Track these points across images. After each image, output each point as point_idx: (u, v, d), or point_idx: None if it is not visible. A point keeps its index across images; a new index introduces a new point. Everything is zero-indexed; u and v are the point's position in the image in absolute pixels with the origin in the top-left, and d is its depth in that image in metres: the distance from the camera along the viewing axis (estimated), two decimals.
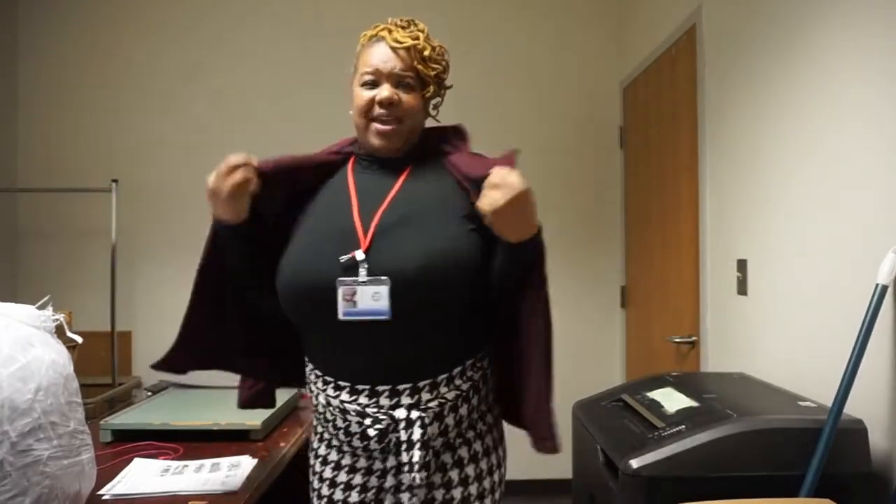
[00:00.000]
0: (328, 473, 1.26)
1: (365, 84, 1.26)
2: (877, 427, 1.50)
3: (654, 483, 1.41)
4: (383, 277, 1.15)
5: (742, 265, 2.19)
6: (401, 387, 1.18)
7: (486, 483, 1.24)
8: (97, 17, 3.66)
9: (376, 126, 1.25)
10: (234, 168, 1.25)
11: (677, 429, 1.51)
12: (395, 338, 1.17)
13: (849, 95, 1.64)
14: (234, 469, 1.55)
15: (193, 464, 1.58)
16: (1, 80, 3.53)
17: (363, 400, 1.19)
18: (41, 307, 1.28)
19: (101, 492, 1.40)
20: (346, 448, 1.24)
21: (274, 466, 1.61)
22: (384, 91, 1.24)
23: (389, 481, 1.21)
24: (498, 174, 1.10)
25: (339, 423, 1.22)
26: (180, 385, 2.38)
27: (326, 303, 1.17)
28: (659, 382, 1.92)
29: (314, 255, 1.21)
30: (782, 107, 1.95)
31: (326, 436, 1.27)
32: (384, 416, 1.18)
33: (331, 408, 1.23)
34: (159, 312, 3.63)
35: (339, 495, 1.24)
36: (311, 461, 1.32)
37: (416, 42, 1.26)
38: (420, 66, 1.26)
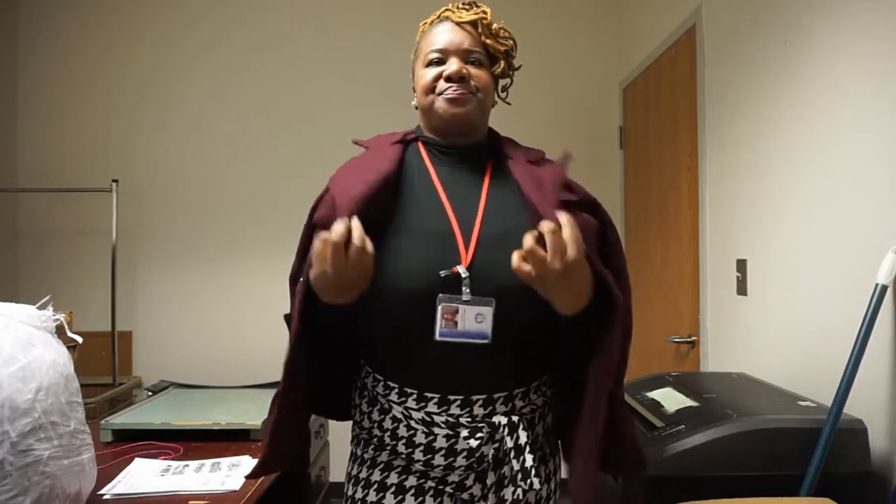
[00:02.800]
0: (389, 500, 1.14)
1: (430, 64, 1.18)
2: (877, 427, 1.50)
3: (654, 483, 1.41)
4: (487, 298, 1.06)
5: (742, 265, 2.19)
6: (496, 395, 1.12)
7: (552, 484, 1.24)
8: (97, 18, 3.66)
9: (441, 98, 1.15)
10: (343, 245, 0.96)
11: (677, 429, 1.51)
12: (492, 356, 1.09)
13: (849, 95, 1.64)
14: (234, 469, 1.55)
15: (194, 464, 1.58)
16: (1, 80, 3.53)
17: (455, 410, 1.10)
18: (41, 307, 1.28)
19: (101, 492, 1.40)
20: (418, 468, 1.14)
21: None
22: (452, 65, 1.15)
23: (490, 499, 1.11)
24: (550, 233, 0.93)
25: (420, 438, 1.11)
26: (180, 385, 2.38)
27: (421, 317, 1.07)
28: (659, 382, 1.92)
29: (411, 262, 1.08)
30: (782, 106, 1.95)
31: (384, 458, 1.16)
32: (482, 424, 1.10)
33: (412, 421, 1.12)
34: (159, 312, 3.64)
35: None
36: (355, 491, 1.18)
37: (482, 17, 1.19)
38: (489, 41, 1.19)
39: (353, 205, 1.06)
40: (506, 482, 1.11)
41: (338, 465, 1.83)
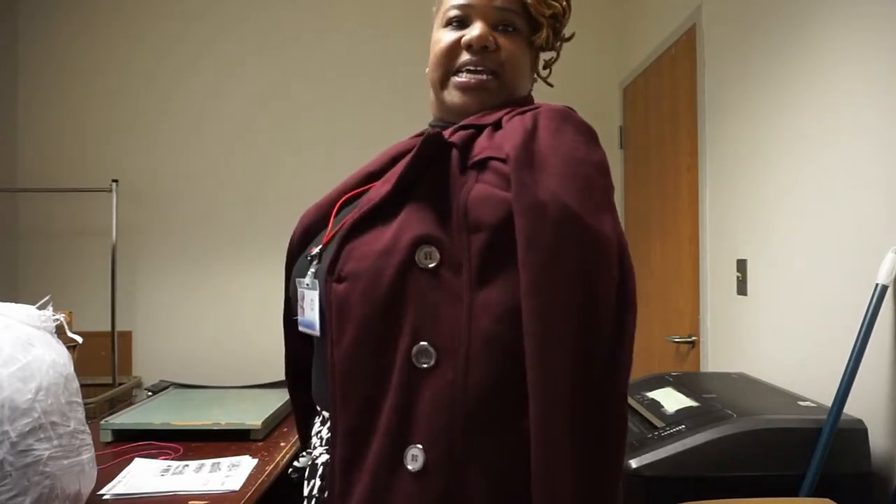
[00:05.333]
0: None
1: (449, 24, 0.91)
2: (877, 427, 1.50)
3: (654, 483, 1.41)
4: (315, 281, 0.83)
5: (742, 265, 2.19)
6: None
7: None
8: (97, 18, 3.66)
9: (458, 78, 0.90)
10: None
11: (677, 429, 1.51)
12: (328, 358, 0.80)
13: (849, 95, 1.64)
14: (234, 469, 1.55)
15: (193, 464, 1.58)
16: (1, 80, 3.53)
17: (317, 425, 0.89)
18: (41, 307, 1.28)
19: (101, 492, 1.40)
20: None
21: (274, 466, 1.61)
22: (475, 30, 0.88)
23: None
24: None
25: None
26: (180, 385, 2.38)
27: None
28: (659, 382, 1.92)
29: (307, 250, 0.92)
30: (782, 106, 1.95)
31: None
32: (306, 454, 0.88)
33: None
34: (159, 312, 3.63)
35: None
36: None
37: None
38: (533, 4, 0.90)
39: (297, 234, 0.95)
40: None
41: None
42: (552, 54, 1.00)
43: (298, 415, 1.01)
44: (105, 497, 1.39)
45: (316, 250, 0.86)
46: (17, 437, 1.09)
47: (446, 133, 0.86)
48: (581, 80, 3.73)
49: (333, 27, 3.66)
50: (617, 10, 3.71)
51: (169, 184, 3.64)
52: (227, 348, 3.54)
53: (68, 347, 1.30)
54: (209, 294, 3.63)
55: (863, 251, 1.57)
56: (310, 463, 0.86)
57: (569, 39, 1.01)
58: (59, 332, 1.29)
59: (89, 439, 1.27)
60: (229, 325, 3.59)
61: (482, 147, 0.81)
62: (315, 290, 0.82)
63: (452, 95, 0.91)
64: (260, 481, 1.50)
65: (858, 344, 1.46)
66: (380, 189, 0.80)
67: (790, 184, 1.91)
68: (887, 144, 1.50)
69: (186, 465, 1.57)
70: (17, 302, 1.26)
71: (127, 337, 3.58)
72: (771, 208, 2.02)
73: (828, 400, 1.52)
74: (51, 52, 3.65)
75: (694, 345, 2.57)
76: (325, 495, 0.79)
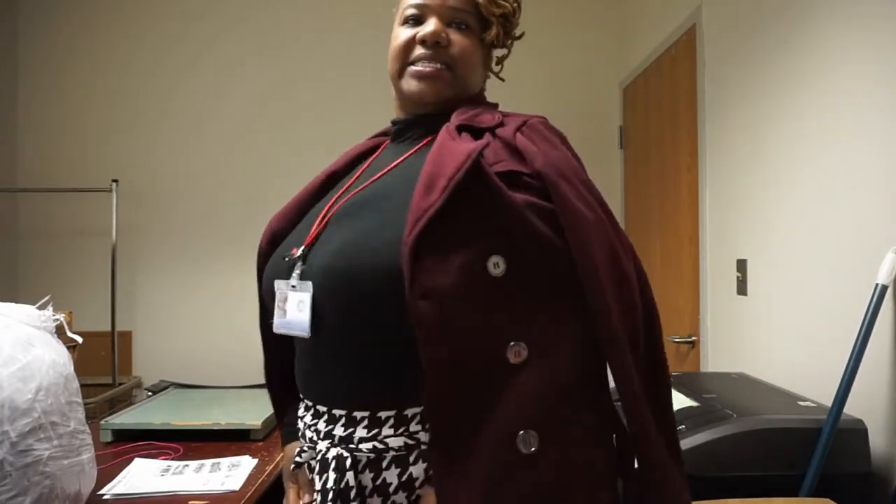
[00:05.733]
0: None
1: (406, 22, 0.99)
2: (877, 427, 1.50)
3: None
4: (306, 282, 0.87)
5: (742, 265, 2.19)
6: (336, 411, 0.89)
7: None
8: (97, 18, 3.66)
9: (412, 68, 0.97)
10: None
11: (677, 429, 1.51)
12: (316, 357, 0.91)
13: (849, 95, 1.64)
14: (234, 469, 1.55)
15: (193, 464, 1.58)
16: (1, 80, 3.53)
17: (308, 418, 0.94)
18: (41, 307, 1.28)
19: (101, 492, 1.40)
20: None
21: (274, 466, 1.61)
22: (429, 26, 0.96)
23: None
24: None
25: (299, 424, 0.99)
26: (180, 385, 2.38)
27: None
28: None
29: (282, 248, 0.97)
30: (782, 106, 1.95)
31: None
32: (309, 448, 0.92)
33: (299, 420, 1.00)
34: (159, 312, 3.64)
35: None
36: None
37: None
38: (484, 3, 0.97)
39: (266, 238, 1.02)
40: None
41: None
42: (504, 51, 1.07)
43: (281, 411, 1.08)
44: (105, 497, 1.39)
45: (299, 251, 0.91)
46: (17, 437, 1.09)
47: (453, 123, 0.93)
48: (581, 80, 3.73)
49: (333, 27, 3.66)
50: (617, 10, 3.71)
51: (169, 184, 3.64)
52: (227, 348, 3.54)
53: (68, 347, 1.30)
54: (209, 294, 3.63)
55: (863, 251, 1.57)
56: (318, 458, 0.90)
57: (520, 37, 1.07)
58: (59, 332, 1.29)
59: (89, 439, 1.27)
60: (229, 325, 3.59)
61: (500, 157, 0.88)
62: (305, 291, 0.87)
63: (409, 84, 0.98)
64: (260, 481, 1.50)
65: (858, 344, 1.46)
66: (425, 200, 0.82)
67: (790, 184, 1.91)
68: (887, 144, 1.50)
69: (186, 465, 1.57)
70: (17, 302, 1.26)
71: (127, 337, 3.58)
72: (771, 208, 2.02)
73: (828, 400, 1.52)
74: (51, 52, 3.65)
75: (694, 345, 2.57)
76: (344, 486, 0.85)
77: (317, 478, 0.90)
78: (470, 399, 0.81)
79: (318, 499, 0.88)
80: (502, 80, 1.11)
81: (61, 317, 1.31)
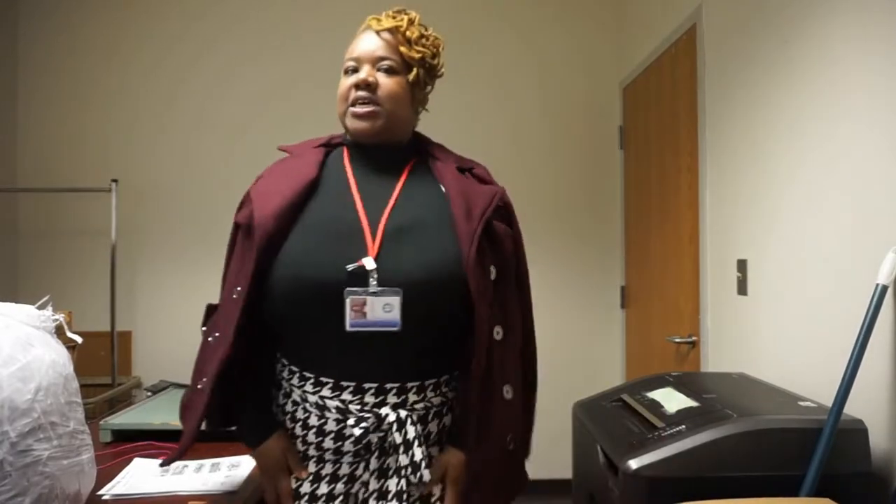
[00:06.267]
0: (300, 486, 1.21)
1: (347, 72, 1.24)
2: (877, 427, 1.50)
3: (654, 483, 1.41)
4: (396, 288, 1.12)
5: (742, 265, 2.19)
6: (388, 385, 1.16)
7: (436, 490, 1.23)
8: (97, 18, 3.66)
9: (352, 110, 1.21)
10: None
11: (677, 429, 1.51)
12: (399, 345, 1.14)
13: (849, 95, 1.64)
14: (234, 469, 1.55)
15: (193, 464, 1.58)
16: (1, 80, 3.53)
17: (346, 396, 1.16)
18: (41, 307, 1.27)
19: (101, 492, 1.40)
20: (312, 452, 1.20)
21: None
22: (361, 73, 1.20)
23: (372, 485, 1.17)
24: None
25: (313, 420, 1.18)
26: (180, 385, 2.37)
27: (330, 308, 1.12)
28: (659, 382, 1.92)
29: (320, 256, 1.14)
30: (782, 106, 1.95)
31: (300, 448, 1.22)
32: (369, 415, 1.14)
33: (306, 404, 1.19)
34: (159, 312, 3.64)
35: None
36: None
37: (399, 24, 1.23)
38: (403, 49, 1.22)
39: (269, 222, 1.16)
40: (390, 473, 1.16)
41: None
42: (429, 88, 1.30)
43: (226, 411, 1.28)
44: (105, 497, 1.39)
45: (370, 265, 1.13)
46: (16, 437, 1.09)
47: (452, 164, 1.28)
48: (581, 80, 3.74)
49: (334, 27, 3.65)
50: (617, 10, 3.71)
51: (169, 184, 3.64)
52: None
53: (68, 347, 1.30)
54: (209, 294, 3.61)
55: (863, 251, 1.57)
56: (375, 422, 1.14)
57: (440, 75, 1.30)
58: (59, 332, 1.29)
59: (89, 439, 1.27)
60: None
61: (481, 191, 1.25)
62: (392, 295, 1.12)
63: (352, 123, 1.23)
64: (260, 481, 1.50)
65: (858, 344, 1.46)
66: (468, 226, 1.16)
67: (790, 184, 1.91)
68: (888, 144, 1.50)
69: (186, 466, 1.57)
70: (17, 302, 1.26)
71: (127, 337, 3.58)
72: (771, 208, 2.02)
73: (828, 400, 1.52)
74: (51, 52, 3.65)
75: (694, 345, 2.57)
76: (404, 437, 1.15)
77: (373, 437, 1.16)
78: (487, 364, 1.16)
79: (376, 453, 1.17)
80: (427, 110, 1.34)
81: (61, 317, 1.31)
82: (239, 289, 1.16)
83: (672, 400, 1.72)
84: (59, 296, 1.72)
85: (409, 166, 1.26)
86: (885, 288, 1.46)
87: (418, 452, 1.14)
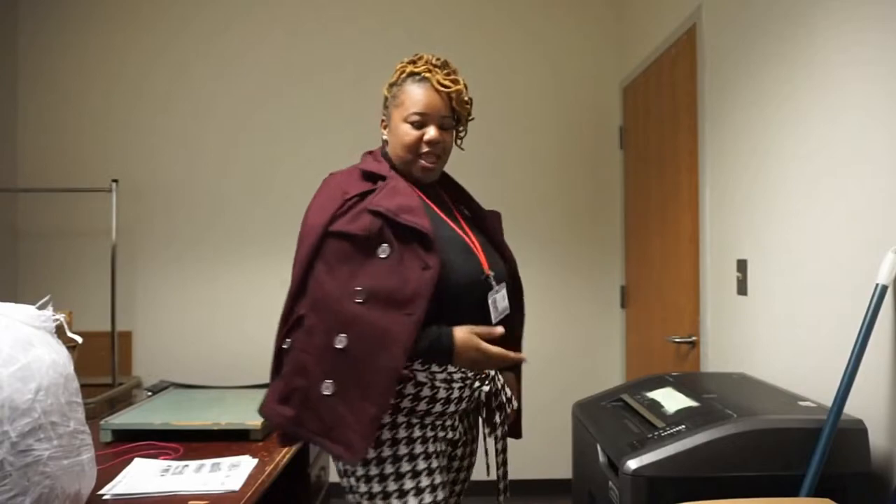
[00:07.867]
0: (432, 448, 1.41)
1: (413, 123, 1.44)
2: (877, 427, 1.50)
3: (654, 483, 1.41)
4: (502, 284, 1.49)
5: (742, 265, 2.19)
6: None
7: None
8: (96, 18, 3.66)
9: (422, 163, 1.46)
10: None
11: (677, 429, 1.51)
12: (510, 322, 1.51)
13: (849, 95, 1.64)
14: (234, 469, 1.55)
15: (193, 464, 1.58)
16: (1, 80, 3.53)
17: (460, 375, 1.43)
18: (41, 307, 1.28)
19: (101, 492, 1.40)
20: (436, 412, 1.42)
21: (274, 466, 1.61)
22: (432, 132, 1.44)
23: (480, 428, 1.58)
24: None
25: (442, 393, 1.40)
26: (180, 385, 2.38)
27: (477, 301, 1.43)
28: (659, 382, 1.92)
29: (472, 267, 1.43)
30: (782, 107, 1.95)
31: (415, 421, 1.40)
32: (484, 375, 1.48)
33: (434, 382, 1.39)
34: (159, 312, 3.64)
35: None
36: (398, 467, 1.37)
37: (459, 89, 1.46)
38: (457, 108, 1.47)
39: (428, 229, 1.36)
40: (495, 408, 1.51)
41: None
42: (464, 132, 1.58)
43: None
44: (105, 497, 1.39)
45: (490, 273, 1.46)
46: (17, 437, 1.09)
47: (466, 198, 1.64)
48: (581, 80, 3.74)
49: (334, 26, 3.66)
50: (617, 10, 3.71)
51: (169, 183, 3.64)
52: (228, 348, 3.54)
53: (68, 347, 1.30)
54: (209, 294, 3.63)
55: (863, 251, 1.57)
56: (491, 378, 1.50)
57: (472, 120, 1.57)
58: (59, 332, 1.29)
59: (89, 439, 1.27)
60: (229, 324, 3.59)
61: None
62: (503, 290, 1.49)
63: (419, 171, 1.48)
64: (260, 481, 1.50)
65: (858, 344, 1.46)
66: (503, 242, 1.60)
67: (790, 184, 1.91)
68: (887, 144, 1.50)
69: (186, 466, 1.57)
70: (17, 302, 1.26)
71: (127, 337, 3.58)
72: (771, 208, 2.02)
73: (828, 400, 1.52)
74: (50, 52, 3.65)
75: (694, 345, 2.57)
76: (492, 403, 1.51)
77: (491, 389, 1.50)
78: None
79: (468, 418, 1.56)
80: (463, 149, 1.59)
81: (61, 317, 1.31)
82: (431, 268, 1.34)
83: (672, 400, 1.72)
84: (59, 296, 1.72)
85: (446, 196, 1.57)
86: (885, 288, 1.46)
87: (508, 391, 1.52)
